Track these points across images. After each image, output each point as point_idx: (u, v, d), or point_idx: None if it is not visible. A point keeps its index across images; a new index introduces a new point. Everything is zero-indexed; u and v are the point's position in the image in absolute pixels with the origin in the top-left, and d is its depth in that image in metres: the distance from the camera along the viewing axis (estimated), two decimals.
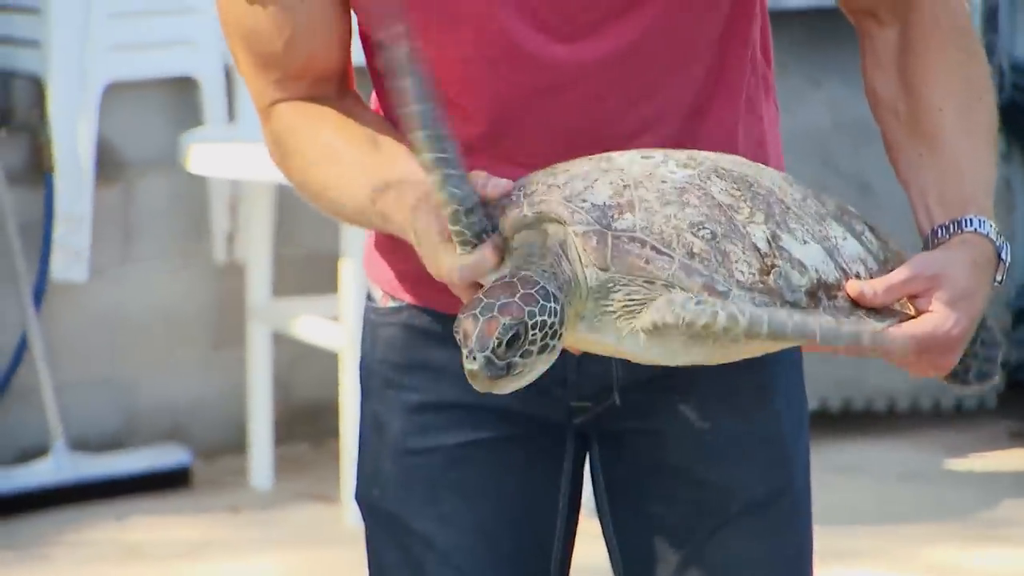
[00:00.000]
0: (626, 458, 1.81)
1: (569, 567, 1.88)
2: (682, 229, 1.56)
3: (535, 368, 1.53)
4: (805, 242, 1.62)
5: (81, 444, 4.79)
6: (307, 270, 5.06)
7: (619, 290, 1.55)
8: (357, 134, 1.76)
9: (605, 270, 1.53)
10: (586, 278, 1.54)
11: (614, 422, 1.79)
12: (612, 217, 1.55)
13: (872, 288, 1.59)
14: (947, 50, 1.75)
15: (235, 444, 4.97)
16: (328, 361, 4.50)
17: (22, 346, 4.56)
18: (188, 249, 4.88)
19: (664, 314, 1.52)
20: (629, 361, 1.64)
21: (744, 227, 1.59)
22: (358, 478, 1.82)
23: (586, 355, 1.69)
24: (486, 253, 1.54)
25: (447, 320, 1.60)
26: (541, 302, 1.53)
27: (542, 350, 1.51)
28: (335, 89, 1.79)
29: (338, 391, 4.46)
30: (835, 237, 1.65)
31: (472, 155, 1.57)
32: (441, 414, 1.79)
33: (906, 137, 1.75)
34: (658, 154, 1.61)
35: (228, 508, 4.73)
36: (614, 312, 1.56)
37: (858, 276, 1.61)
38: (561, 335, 1.53)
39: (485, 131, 1.67)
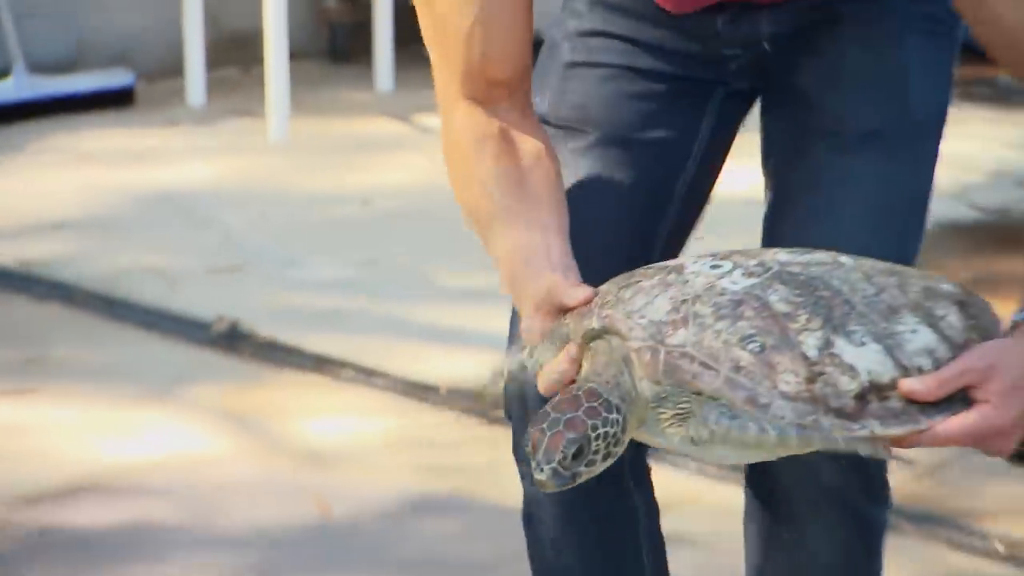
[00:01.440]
0: (772, 91, 1.86)
1: (705, 198, 1.96)
2: (731, 343, 1.55)
3: (599, 470, 1.57)
4: (862, 343, 1.58)
5: (39, 68, 5.12)
6: None
7: (671, 400, 1.58)
8: (510, 176, 1.77)
9: (658, 383, 1.55)
10: (642, 389, 1.57)
11: (764, 71, 1.85)
12: (666, 333, 1.55)
13: (925, 385, 1.55)
14: None
15: (174, 68, 5.35)
16: None
17: None
18: None
19: (699, 429, 1.56)
20: (775, 17, 1.75)
21: (797, 335, 1.57)
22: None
23: (735, 12, 1.78)
24: (564, 366, 1.59)
25: None
26: (604, 414, 1.55)
27: (605, 458, 1.53)
28: (507, 96, 1.79)
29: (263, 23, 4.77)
30: (903, 331, 1.60)
31: None
32: (606, 40, 1.86)
33: None
34: (727, 263, 1.62)
35: (167, 122, 5.07)
36: (667, 420, 1.58)
37: (920, 370, 1.56)
38: (622, 441, 1.57)
39: None
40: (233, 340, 3.74)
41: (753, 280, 1.57)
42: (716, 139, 1.85)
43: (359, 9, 5.76)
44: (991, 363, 1.53)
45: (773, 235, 1.81)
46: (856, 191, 1.81)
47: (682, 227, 1.92)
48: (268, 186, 4.80)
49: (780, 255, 1.61)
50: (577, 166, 1.85)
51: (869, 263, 1.65)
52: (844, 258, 1.62)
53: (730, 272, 1.58)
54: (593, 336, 1.57)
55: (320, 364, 3.67)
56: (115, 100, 5.19)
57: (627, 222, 1.87)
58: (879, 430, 1.51)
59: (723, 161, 1.89)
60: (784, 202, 1.85)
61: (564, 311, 1.59)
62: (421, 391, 3.56)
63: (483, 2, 1.73)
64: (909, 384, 1.52)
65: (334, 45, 5.90)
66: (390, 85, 5.45)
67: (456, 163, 1.79)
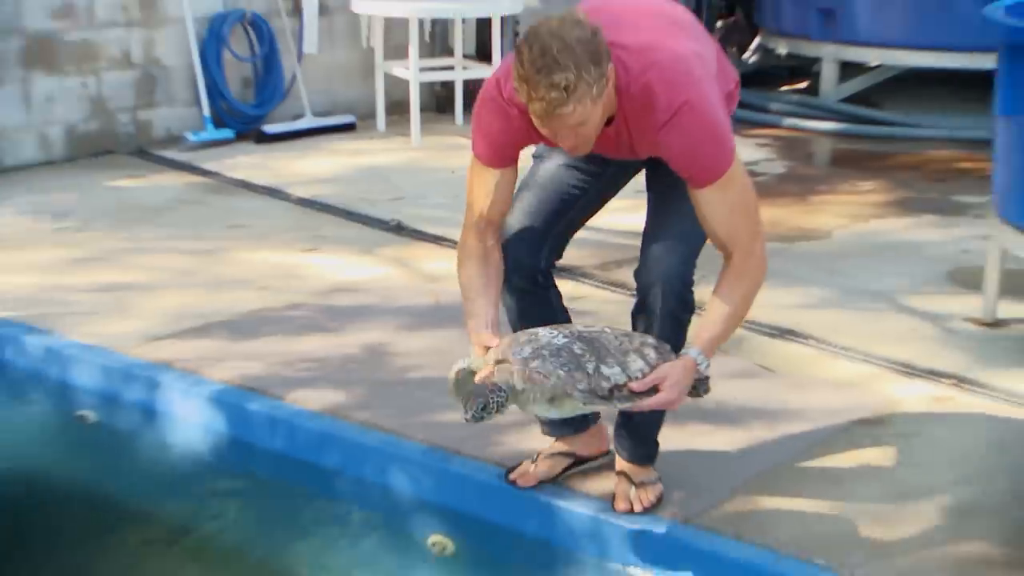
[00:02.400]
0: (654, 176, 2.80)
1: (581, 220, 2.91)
2: (556, 367, 2.44)
3: (495, 418, 2.44)
4: (611, 366, 2.47)
5: (315, 112, 6.74)
6: None
7: (528, 391, 2.46)
8: (481, 277, 2.69)
9: (523, 382, 2.45)
10: (515, 383, 2.46)
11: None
12: (529, 361, 2.44)
13: (639, 384, 2.50)
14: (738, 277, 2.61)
15: (370, 114, 6.88)
16: None
17: None
18: None
19: (540, 404, 2.49)
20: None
21: (585, 363, 2.47)
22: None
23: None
24: (486, 372, 2.49)
25: None
26: (499, 393, 2.44)
27: (498, 411, 2.44)
28: (492, 231, 2.74)
29: None
30: (630, 361, 2.50)
31: None
32: (557, 153, 2.79)
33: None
34: (557, 332, 2.53)
35: (368, 138, 6.71)
36: (527, 399, 2.48)
37: (637, 378, 2.52)
38: (506, 406, 2.45)
39: None
40: (399, 229, 5.13)
41: (567, 339, 2.52)
42: (616, 178, 2.86)
43: (448, 88, 7.08)
44: (665, 374, 2.54)
45: (647, 221, 2.83)
46: (670, 204, 2.76)
47: (586, 210, 2.92)
48: (413, 165, 6.29)
49: (579, 327, 2.55)
50: (551, 160, 2.85)
51: (619, 331, 2.60)
52: (607, 328, 2.56)
53: (557, 335, 2.51)
54: (499, 360, 2.47)
55: (436, 239, 5.00)
56: (347, 128, 6.82)
57: (561, 192, 2.87)
58: (619, 405, 2.50)
59: (615, 191, 2.93)
60: (651, 204, 2.85)
61: (488, 347, 2.54)
62: None
63: (494, 187, 2.71)
64: (632, 385, 2.51)
65: (438, 104, 7.28)
66: (463, 123, 6.78)
67: (461, 262, 2.72)
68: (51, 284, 4.49)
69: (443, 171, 5.99)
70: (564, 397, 2.44)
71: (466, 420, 2.45)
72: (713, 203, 2.55)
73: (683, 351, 2.61)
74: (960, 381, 3.71)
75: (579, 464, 3.14)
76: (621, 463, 3.00)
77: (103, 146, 6.27)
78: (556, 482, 3.13)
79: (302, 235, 5.01)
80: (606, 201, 2.90)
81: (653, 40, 2.56)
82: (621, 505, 2.96)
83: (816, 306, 4.31)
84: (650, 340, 2.58)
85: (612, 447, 3.07)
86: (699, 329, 2.62)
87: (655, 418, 2.90)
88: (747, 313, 2.65)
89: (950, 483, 3.13)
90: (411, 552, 2.99)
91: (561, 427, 3.05)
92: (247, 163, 6.15)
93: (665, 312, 2.71)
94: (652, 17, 2.64)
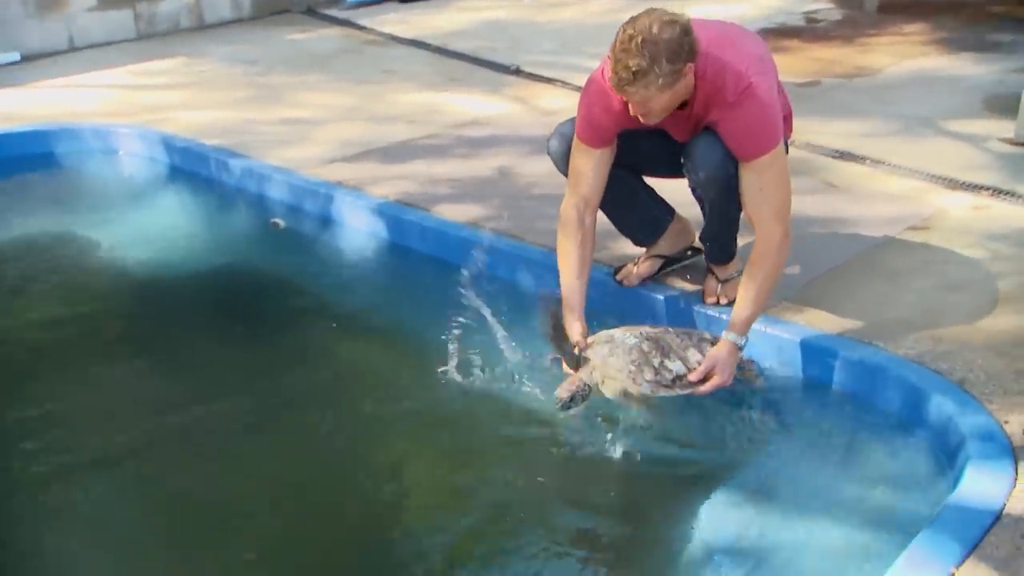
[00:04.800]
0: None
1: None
2: (629, 362, 2.34)
3: (581, 408, 2.29)
4: (674, 360, 2.37)
5: None
6: None
7: (608, 383, 2.36)
8: (574, 252, 2.53)
9: (601, 376, 2.35)
10: (596, 379, 2.38)
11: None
12: (607, 358, 2.33)
13: (695, 375, 2.41)
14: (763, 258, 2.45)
15: None
16: None
17: None
18: None
19: (617, 394, 2.36)
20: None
21: (651, 359, 2.35)
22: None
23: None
24: (574, 377, 2.36)
25: None
26: (584, 389, 2.35)
27: (582, 402, 2.34)
28: (590, 213, 2.56)
29: None
30: (689, 355, 2.41)
31: None
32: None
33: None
34: (628, 333, 2.39)
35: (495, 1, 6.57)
36: (607, 389, 2.37)
37: (694, 368, 2.42)
38: (588, 398, 2.34)
39: None
40: (518, 72, 5.05)
41: (637, 339, 2.41)
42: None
43: None
44: (715, 360, 2.45)
45: (683, 151, 2.58)
46: (708, 136, 2.54)
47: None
48: (527, 19, 6.23)
49: (646, 329, 2.42)
50: (640, 133, 2.59)
51: (680, 330, 2.48)
52: (670, 328, 2.46)
53: (628, 336, 2.40)
54: (583, 358, 2.40)
55: (549, 80, 4.83)
56: None
57: (654, 153, 2.71)
58: (680, 391, 2.37)
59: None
60: (687, 144, 2.61)
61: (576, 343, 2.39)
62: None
63: (592, 167, 2.53)
64: (690, 376, 2.42)
65: None
66: None
67: (560, 228, 2.56)
68: (246, 118, 4.49)
69: (552, 23, 5.94)
70: (634, 387, 2.35)
71: (557, 409, 2.39)
72: (747, 179, 2.43)
73: (723, 335, 2.49)
74: (996, 192, 3.59)
75: (673, 263, 3.03)
76: (709, 263, 2.92)
77: (280, 6, 6.35)
78: (656, 280, 3.03)
79: (439, 79, 4.97)
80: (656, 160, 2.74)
81: (739, 49, 2.49)
82: (709, 299, 2.87)
83: (871, 132, 4.16)
84: (707, 335, 2.49)
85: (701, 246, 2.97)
86: (733, 315, 2.49)
87: (730, 229, 2.76)
88: (772, 290, 2.50)
89: (989, 277, 3.03)
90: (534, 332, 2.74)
91: (642, 238, 2.95)
92: (394, 19, 6.15)
93: (715, 210, 2.62)
94: (744, 39, 2.56)
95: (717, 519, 2.20)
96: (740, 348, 2.46)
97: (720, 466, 2.40)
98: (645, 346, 2.36)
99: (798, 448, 2.44)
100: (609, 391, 2.37)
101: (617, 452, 2.40)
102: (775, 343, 2.74)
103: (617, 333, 2.41)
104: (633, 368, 2.34)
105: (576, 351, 2.38)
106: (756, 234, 2.46)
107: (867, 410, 2.54)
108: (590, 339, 2.44)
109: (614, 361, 2.33)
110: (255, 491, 2.43)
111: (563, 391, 2.36)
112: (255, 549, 2.24)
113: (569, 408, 2.35)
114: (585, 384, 2.37)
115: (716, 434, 2.47)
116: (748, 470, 2.39)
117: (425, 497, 2.41)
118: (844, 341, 2.70)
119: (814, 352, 2.69)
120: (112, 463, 2.50)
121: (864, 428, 2.50)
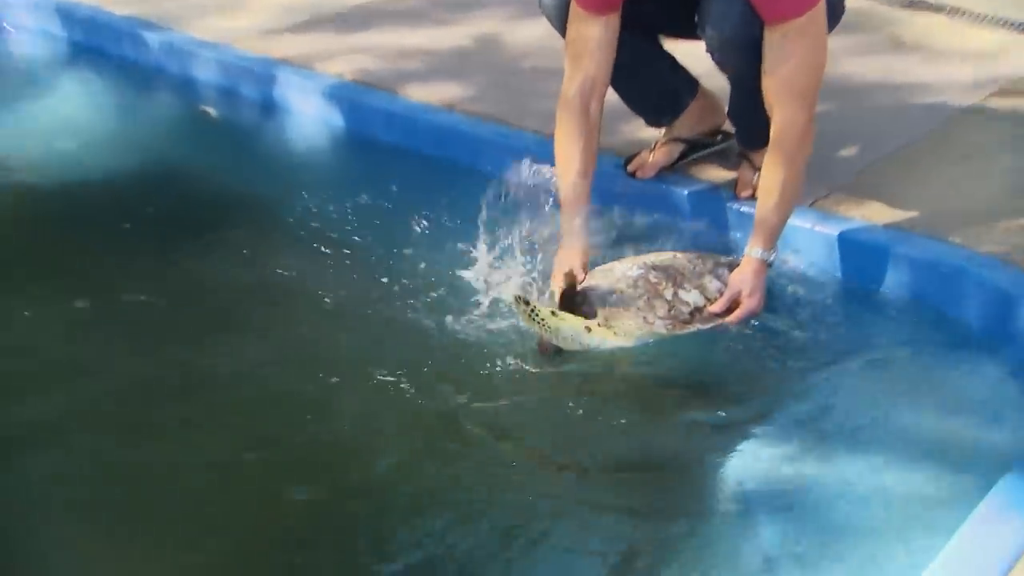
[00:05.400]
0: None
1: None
2: (635, 296, 2.32)
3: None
4: (689, 291, 2.36)
5: None
6: None
7: (614, 324, 2.31)
8: (577, 144, 2.46)
9: (603, 318, 2.31)
10: (598, 320, 2.30)
11: None
12: (605, 295, 2.32)
13: (717, 306, 2.38)
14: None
15: None
16: None
17: None
18: None
19: (633, 327, 2.30)
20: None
21: (661, 291, 2.34)
22: None
23: None
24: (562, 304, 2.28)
25: None
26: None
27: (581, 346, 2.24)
28: (598, 99, 2.49)
29: None
30: (706, 283, 2.39)
31: None
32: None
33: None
34: (631, 264, 2.39)
35: None
36: (612, 331, 2.30)
37: (715, 299, 2.40)
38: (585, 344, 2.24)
39: None
40: None
41: (641, 270, 2.40)
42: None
43: None
44: (739, 286, 2.39)
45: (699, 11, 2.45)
46: None
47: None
48: None
49: (651, 257, 2.39)
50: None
51: (691, 254, 2.44)
52: (678, 254, 2.42)
53: (631, 267, 2.39)
54: (577, 299, 2.36)
55: None
56: None
57: (666, 6, 2.62)
58: (700, 327, 2.35)
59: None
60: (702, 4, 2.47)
61: (569, 275, 2.32)
62: None
63: (598, 41, 2.43)
64: (711, 307, 2.40)
65: None
66: None
67: (562, 112, 2.49)
68: None
69: None
70: (646, 327, 2.25)
71: (541, 354, 2.30)
72: (771, 44, 2.26)
73: (746, 252, 2.36)
74: None
75: (697, 150, 2.88)
76: (741, 148, 2.76)
77: None
78: (675, 169, 2.87)
79: None
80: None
81: None
82: (744, 192, 2.72)
83: None
84: (723, 259, 2.39)
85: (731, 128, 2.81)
86: (755, 226, 2.36)
87: (763, 104, 2.53)
88: (799, 192, 2.37)
89: None
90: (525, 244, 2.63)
91: (658, 117, 2.81)
92: None
93: (740, 82, 2.50)
94: None
95: (766, 466, 2.12)
96: (768, 264, 2.35)
97: (764, 402, 2.32)
98: (652, 276, 2.29)
99: (855, 375, 2.33)
100: (613, 337, 2.28)
101: (644, 396, 2.32)
102: (824, 244, 2.60)
103: (617, 266, 2.33)
104: (642, 304, 2.26)
105: (573, 284, 2.31)
106: (773, 117, 2.30)
107: (942, 324, 2.45)
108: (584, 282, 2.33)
109: (617, 299, 2.26)
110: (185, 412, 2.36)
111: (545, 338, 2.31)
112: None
113: (561, 354, 2.28)
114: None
115: (753, 365, 2.37)
116: (797, 405, 2.29)
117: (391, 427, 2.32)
118: (912, 238, 2.57)
119: (874, 253, 2.57)
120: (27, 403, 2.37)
121: (938, 346, 2.42)
